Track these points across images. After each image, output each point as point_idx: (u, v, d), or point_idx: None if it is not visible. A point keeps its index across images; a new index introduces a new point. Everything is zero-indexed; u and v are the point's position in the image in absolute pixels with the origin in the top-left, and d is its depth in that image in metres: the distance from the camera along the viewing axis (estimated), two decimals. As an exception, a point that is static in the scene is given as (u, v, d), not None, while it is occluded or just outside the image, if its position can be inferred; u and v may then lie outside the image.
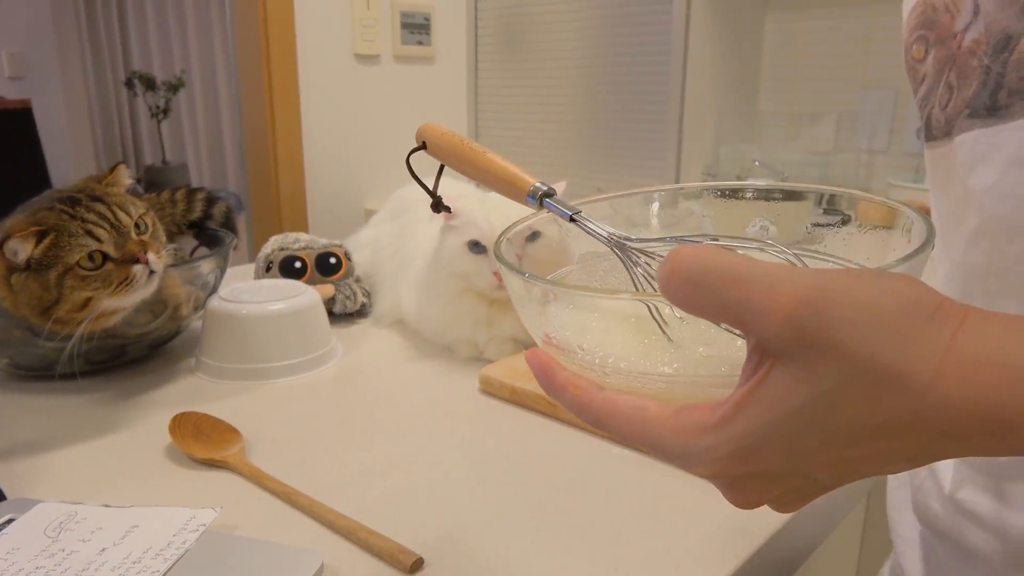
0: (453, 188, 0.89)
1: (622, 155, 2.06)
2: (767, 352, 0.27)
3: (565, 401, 0.32)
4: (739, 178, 1.64)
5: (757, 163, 1.63)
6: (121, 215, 0.68)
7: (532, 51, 2.26)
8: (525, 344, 0.84)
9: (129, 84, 5.15)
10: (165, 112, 5.14)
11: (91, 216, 0.66)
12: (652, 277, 0.40)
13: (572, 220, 0.44)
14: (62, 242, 0.65)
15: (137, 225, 0.69)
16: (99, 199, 0.68)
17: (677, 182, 1.88)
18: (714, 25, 1.86)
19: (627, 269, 0.40)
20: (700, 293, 0.27)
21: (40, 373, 0.78)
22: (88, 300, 0.66)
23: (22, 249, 0.64)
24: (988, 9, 0.40)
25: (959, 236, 0.44)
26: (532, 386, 0.71)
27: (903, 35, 0.48)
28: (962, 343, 0.25)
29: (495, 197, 0.87)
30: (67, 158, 4.68)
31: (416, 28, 2.32)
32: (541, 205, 0.46)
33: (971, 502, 0.47)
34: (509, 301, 0.83)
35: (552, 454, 0.63)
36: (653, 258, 0.39)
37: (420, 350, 0.88)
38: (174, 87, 5.07)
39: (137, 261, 0.67)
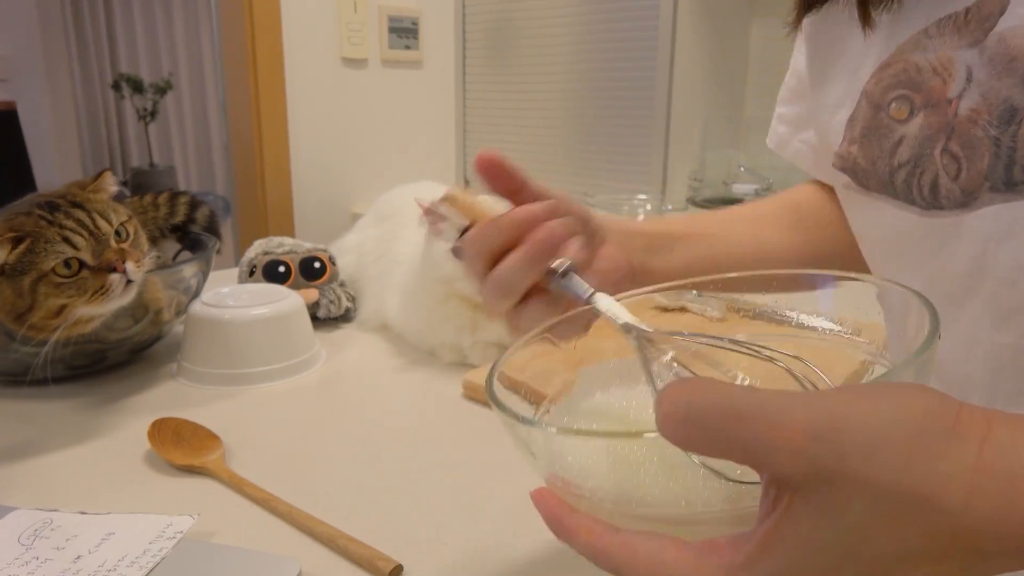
0: (440, 192, 0.89)
1: (609, 160, 2.06)
2: (783, 487, 0.25)
3: (579, 547, 0.30)
4: (724, 183, 1.64)
5: (742, 168, 1.64)
6: (101, 222, 0.68)
7: (520, 55, 2.26)
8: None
9: (116, 86, 5.12)
10: (152, 115, 5.12)
11: (69, 223, 0.66)
12: (671, 365, 0.38)
13: (587, 303, 0.42)
14: (38, 248, 0.64)
15: (118, 232, 0.69)
16: (79, 205, 0.68)
17: (663, 187, 1.88)
18: (700, 30, 1.87)
19: (641, 361, 0.38)
20: (700, 434, 0.26)
21: (18, 378, 0.77)
22: (63, 307, 0.65)
23: None
24: (981, 77, 0.39)
25: (972, 311, 0.42)
26: (515, 391, 0.71)
27: (865, 89, 0.45)
28: (991, 457, 0.24)
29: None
30: (53, 161, 4.65)
31: (404, 32, 2.32)
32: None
33: None
34: None
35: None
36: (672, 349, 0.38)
37: (404, 355, 0.87)
38: (162, 89, 5.05)
39: (114, 270, 0.66)
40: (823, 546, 0.25)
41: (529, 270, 0.43)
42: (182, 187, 5.34)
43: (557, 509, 0.31)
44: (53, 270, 0.64)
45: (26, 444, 0.66)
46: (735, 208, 0.63)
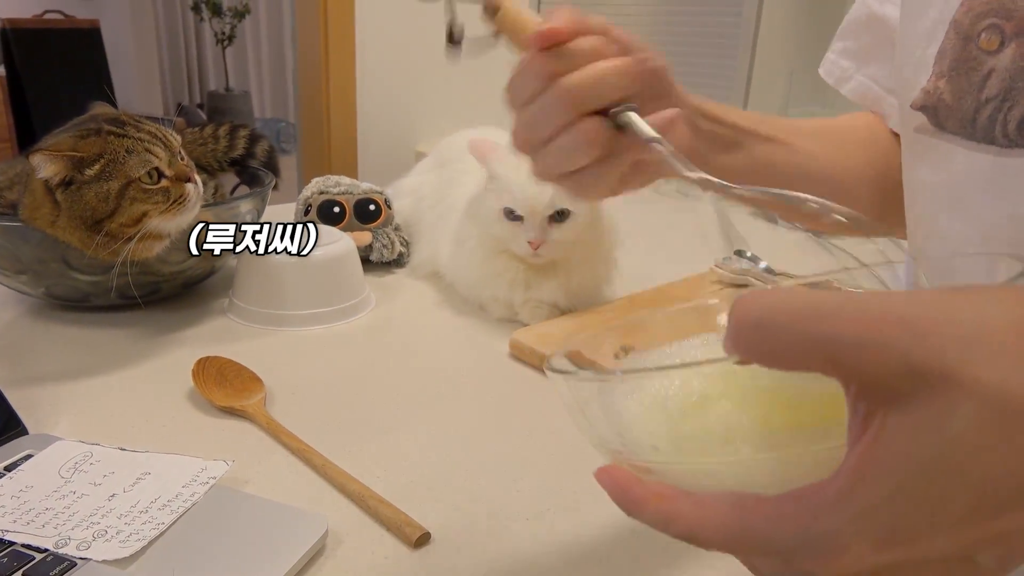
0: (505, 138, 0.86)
1: (684, 109, 1.98)
2: (874, 399, 0.22)
3: (649, 517, 0.27)
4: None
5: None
6: (170, 136, 0.71)
7: (599, -6, 2.16)
8: (562, 310, 0.81)
9: (196, 8, 5.16)
10: (230, 39, 5.15)
11: (143, 135, 0.69)
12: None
13: (648, 143, 0.39)
14: (120, 157, 0.66)
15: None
16: (140, 121, 0.71)
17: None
18: (794, -25, 1.75)
19: (720, 221, 0.37)
20: (776, 338, 0.22)
21: (75, 304, 0.79)
22: (144, 215, 0.67)
23: (46, 168, 0.65)
24: None
25: None
26: (563, 355, 0.68)
27: (954, 18, 0.43)
28: None
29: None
30: (134, 81, 4.75)
31: (480, -36, 2.24)
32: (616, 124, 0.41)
33: None
34: (547, 266, 0.80)
35: (577, 432, 0.61)
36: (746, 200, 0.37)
37: (454, 306, 0.86)
38: (240, 14, 5.07)
39: (189, 180, 0.70)
40: (925, 466, 0.21)
41: (563, 115, 0.41)
42: (256, 113, 5.40)
43: (624, 481, 0.28)
44: (140, 178, 0.67)
45: (76, 371, 0.67)
46: (802, 121, 0.61)
